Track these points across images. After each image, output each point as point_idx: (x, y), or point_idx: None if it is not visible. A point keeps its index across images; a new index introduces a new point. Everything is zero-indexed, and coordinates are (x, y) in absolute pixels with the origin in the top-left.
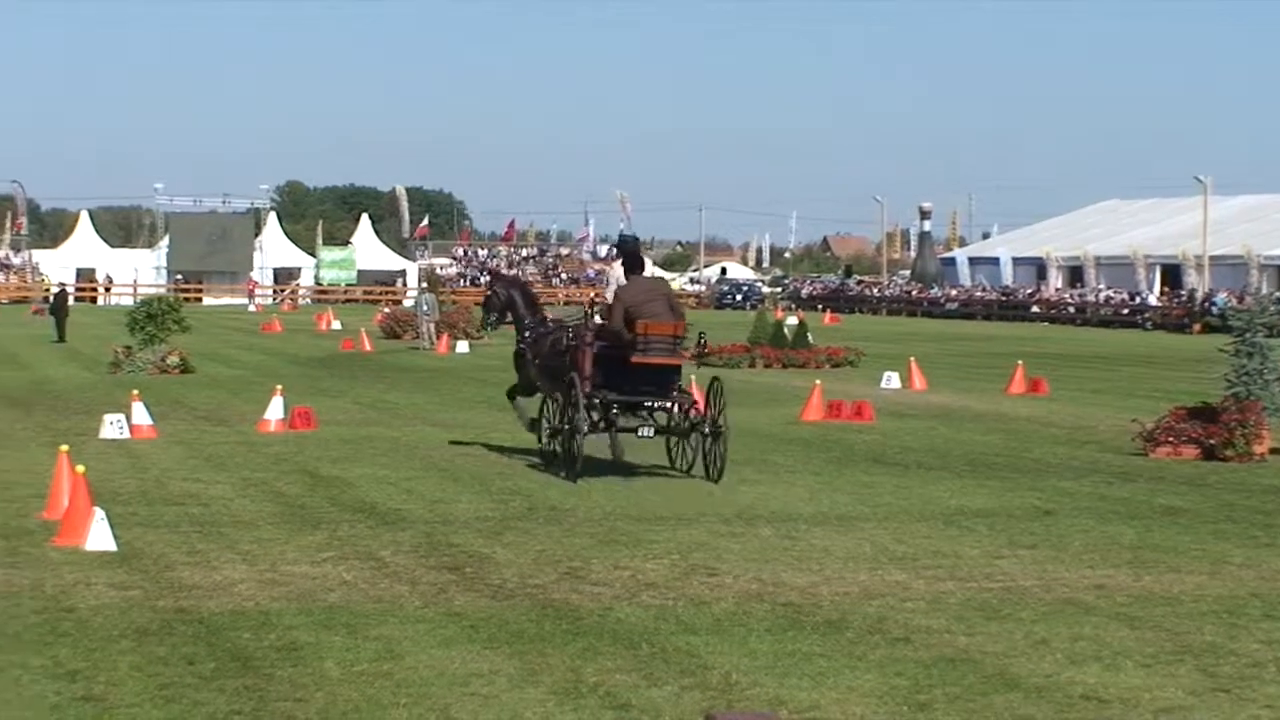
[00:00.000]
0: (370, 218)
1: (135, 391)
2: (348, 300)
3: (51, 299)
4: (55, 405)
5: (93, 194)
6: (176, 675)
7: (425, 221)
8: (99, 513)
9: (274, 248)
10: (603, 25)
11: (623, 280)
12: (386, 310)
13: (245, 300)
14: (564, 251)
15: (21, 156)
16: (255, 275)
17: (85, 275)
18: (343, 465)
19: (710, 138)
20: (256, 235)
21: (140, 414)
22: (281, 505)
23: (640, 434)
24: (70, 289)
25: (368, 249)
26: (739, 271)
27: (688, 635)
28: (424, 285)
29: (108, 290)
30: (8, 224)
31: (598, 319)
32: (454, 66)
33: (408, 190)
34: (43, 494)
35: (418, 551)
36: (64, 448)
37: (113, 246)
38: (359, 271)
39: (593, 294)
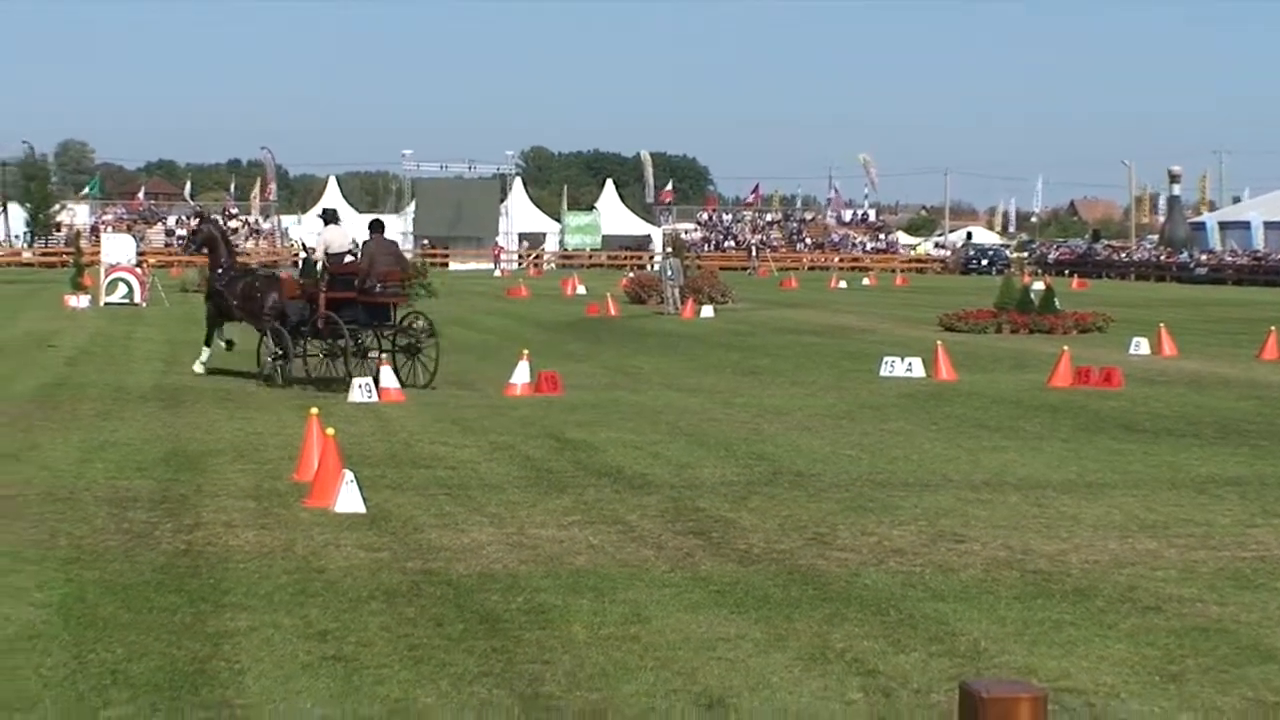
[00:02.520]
0: (615, 183)
1: (383, 356)
2: (593, 265)
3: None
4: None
5: (341, 160)
6: (425, 636)
7: (669, 186)
8: (348, 475)
9: (519, 213)
10: None
11: (332, 242)
12: (631, 275)
13: (491, 265)
14: (808, 216)
15: (272, 123)
16: (501, 240)
17: None
18: (589, 429)
19: (955, 101)
20: (502, 201)
21: (388, 378)
22: (528, 469)
23: (371, 355)
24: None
25: (612, 214)
26: (985, 236)
27: (935, 602)
28: (669, 250)
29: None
30: (257, 190)
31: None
32: (698, 32)
33: (652, 155)
34: (293, 456)
35: (664, 516)
36: (314, 410)
37: (360, 212)
38: (604, 236)
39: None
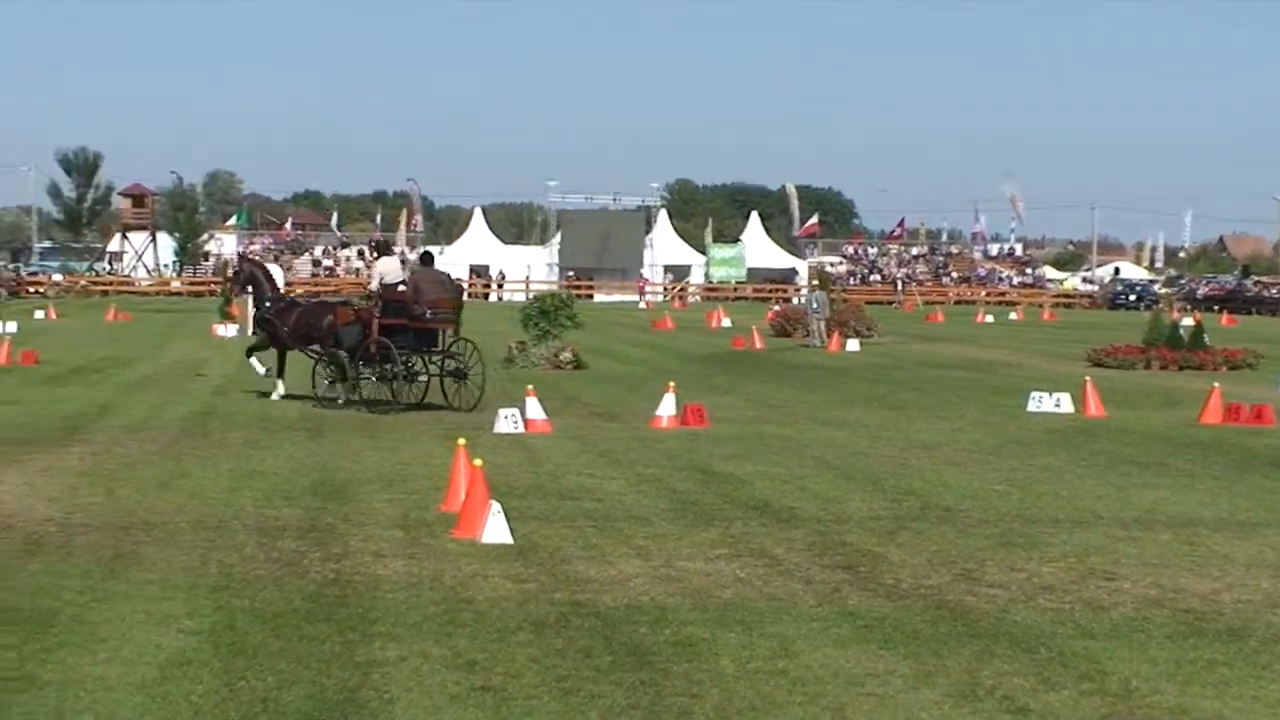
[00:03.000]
0: (760, 215)
1: (530, 386)
2: (738, 298)
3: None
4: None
5: (486, 191)
6: (573, 668)
7: (814, 219)
8: (495, 506)
9: (664, 245)
10: (989, 22)
11: (386, 272)
12: (777, 308)
13: (636, 297)
14: (954, 250)
15: (417, 155)
16: (646, 272)
17: (478, 271)
18: (735, 462)
19: (1103, 135)
20: (647, 233)
21: (534, 409)
22: (675, 501)
23: (420, 379)
24: (464, 284)
25: (757, 247)
26: (1133, 271)
27: (1085, 640)
28: (815, 283)
29: (500, 286)
30: (403, 221)
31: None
32: (843, 64)
33: (797, 188)
34: (440, 486)
35: (811, 550)
36: (461, 441)
37: (505, 243)
38: (749, 269)
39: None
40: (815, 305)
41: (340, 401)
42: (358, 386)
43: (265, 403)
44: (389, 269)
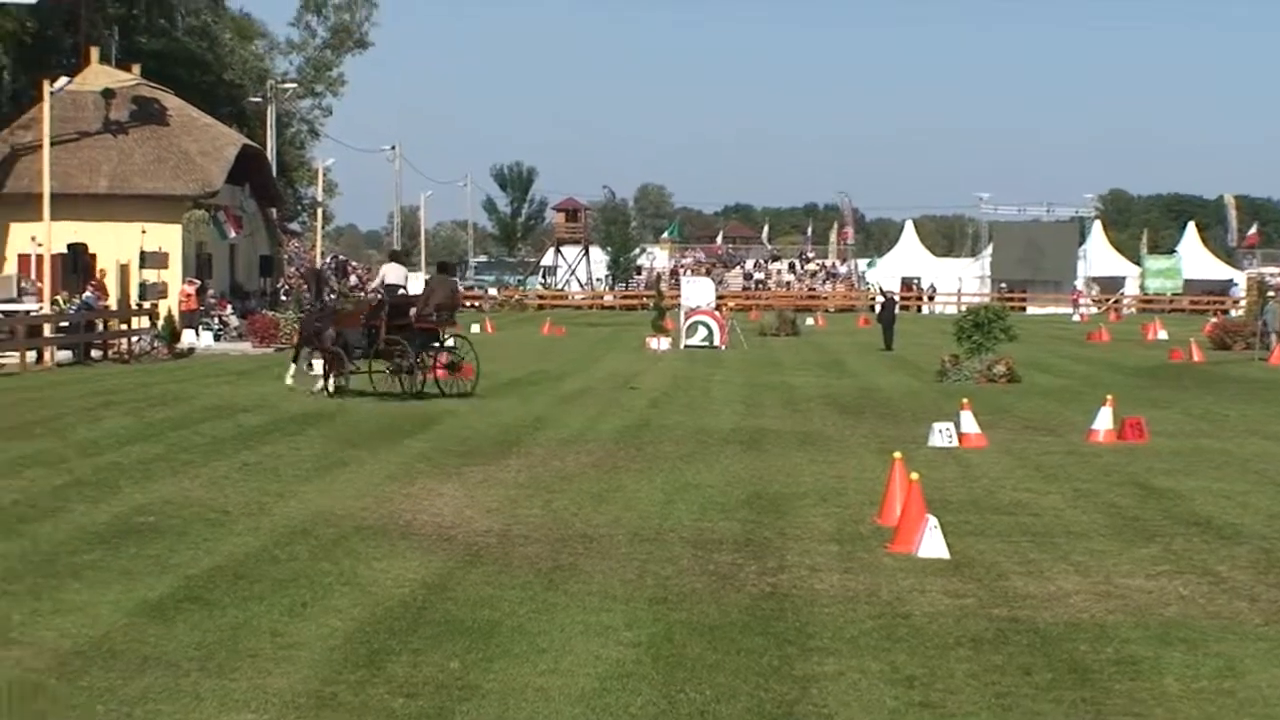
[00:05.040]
0: (1196, 225)
1: (964, 400)
2: (1173, 309)
3: (879, 308)
4: (883, 412)
5: (917, 203)
6: (1013, 685)
7: (1254, 229)
8: (931, 520)
9: (1098, 256)
10: None
11: (386, 274)
12: (1215, 320)
13: (1069, 309)
14: None
15: (849, 167)
16: (1079, 284)
17: (909, 283)
18: (1175, 477)
19: None
20: (1080, 244)
21: (969, 422)
22: (1113, 516)
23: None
24: (896, 297)
25: (1194, 257)
26: None
27: None
28: (1271, 295)
29: (931, 299)
30: (834, 233)
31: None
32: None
33: (1235, 198)
34: (874, 500)
35: (1255, 567)
36: (897, 455)
37: (935, 255)
38: (1185, 280)
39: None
40: (1269, 317)
41: (326, 392)
42: (347, 379)
43: (698, 416)
44: (390, 273)
